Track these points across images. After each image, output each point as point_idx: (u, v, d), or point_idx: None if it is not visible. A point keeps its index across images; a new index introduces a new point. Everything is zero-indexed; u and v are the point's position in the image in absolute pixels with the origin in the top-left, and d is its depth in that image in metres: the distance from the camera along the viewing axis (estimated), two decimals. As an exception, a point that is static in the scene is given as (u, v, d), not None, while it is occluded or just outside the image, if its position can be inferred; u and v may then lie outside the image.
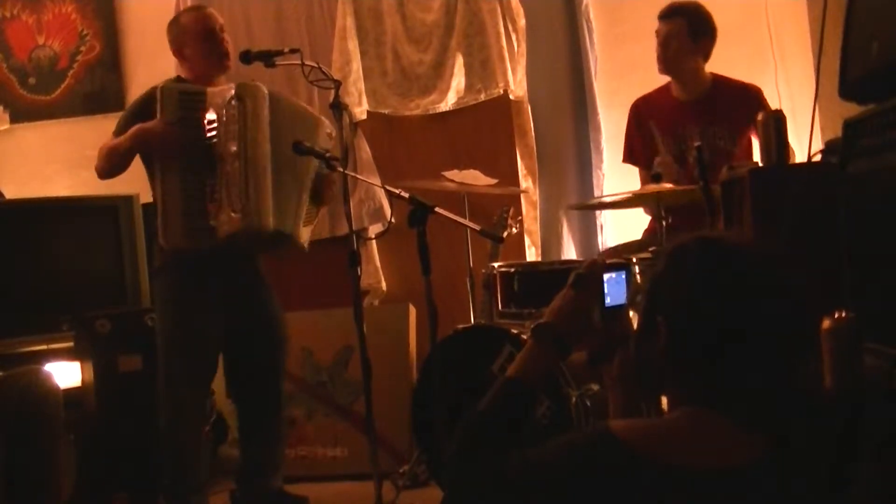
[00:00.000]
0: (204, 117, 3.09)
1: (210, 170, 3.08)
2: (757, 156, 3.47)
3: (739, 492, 1.24)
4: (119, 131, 3.21)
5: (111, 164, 3.18)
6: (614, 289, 1.56)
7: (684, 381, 1.33)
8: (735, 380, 1.29)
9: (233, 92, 3.08)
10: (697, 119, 3.60)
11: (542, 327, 1.53)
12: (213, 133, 3.08)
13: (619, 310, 1.56)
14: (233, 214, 3.04)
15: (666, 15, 3.60)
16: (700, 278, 1.32)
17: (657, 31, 3.61)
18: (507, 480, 1.34)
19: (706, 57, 3.63)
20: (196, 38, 3.28)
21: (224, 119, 3.07)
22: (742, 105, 3.56)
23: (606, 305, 1.55)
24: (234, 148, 3.05)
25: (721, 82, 3.66)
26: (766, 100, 3.62)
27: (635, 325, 1.47)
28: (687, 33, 3.56)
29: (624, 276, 1.57)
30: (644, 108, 3.76)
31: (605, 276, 1.55)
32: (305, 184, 3.26)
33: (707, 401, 1.30)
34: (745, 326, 1.28)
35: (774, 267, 1.32)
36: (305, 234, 3.33)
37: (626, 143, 3.85)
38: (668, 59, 3.59)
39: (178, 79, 3.39)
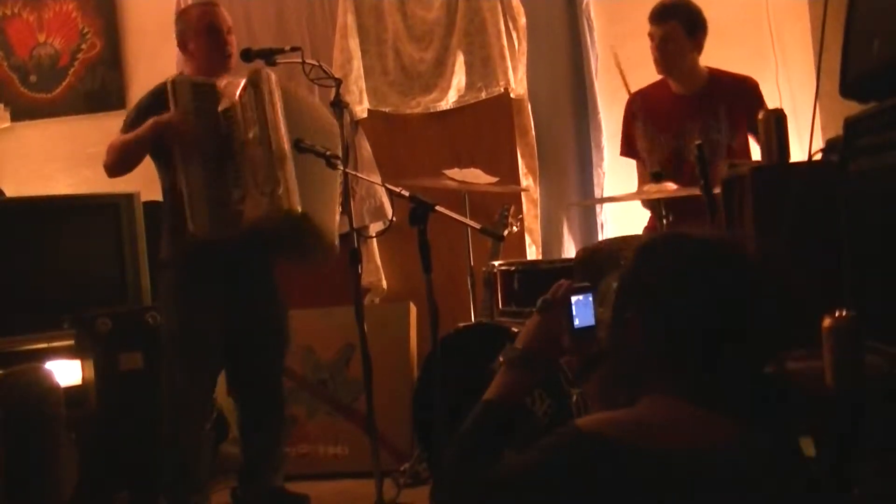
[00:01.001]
0: (217, 109, 3.10)
1: (229, 160, 3.10)
2: (754, 149, 3.49)
3: (714, 475, 1.25)
4: (128, 127, 3.21)
5: (124, 158, 3.18)
6: (582, 310, 1.55)
7: (655, 373, 1.34)
8: (703, 370, 1.31)
9: (245, 81, 3.09)
10: (697, 114, 3.59)
11: (512, 353, 1.54)
12: (230, 123, 3.09)
13: (590, 330, 1.56)
14: (260, 198, 3.05)
15: (659, 18, 3.57)
16: (667, 273, 1.34)
17: (651, 34, 3.59)
18: (492, 494, 1.36)
19: (700, 51, 3.63)
20: (200, 33, 3.29)
21: (239, 108, 3.09)
22: (739, 98, 3.57)
23: (576, 327, 1.54)
24: (252, 134, 3.07)
25: (717, 76, 3.65)
26: (761, 92, 3.62)
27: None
28: (683, 33, 3.56)
29: (591, 298, 1.56)
30: (641, 103, 3.75)
31: (573, 299, 1.54)
32: (334, 189, 3.26)
33: (677, 390, 1.31)
34: (711, 319, 1.30)
35: (743, 261, 1.34)
36: (336, 238, 3.33)
37: (623, 136, 3.85)
38: (668, 61, 3.59)
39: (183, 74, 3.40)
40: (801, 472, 1.34)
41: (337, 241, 3.31)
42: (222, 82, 3.16)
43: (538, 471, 1.30)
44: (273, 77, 3.14)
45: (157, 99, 3.17)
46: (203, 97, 3.12)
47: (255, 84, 3.08)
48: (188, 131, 3.07)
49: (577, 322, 1.54)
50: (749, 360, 1.32)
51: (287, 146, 3.09)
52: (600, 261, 3.30)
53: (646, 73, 3.81)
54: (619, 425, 1.29)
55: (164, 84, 3.16)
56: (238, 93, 3.09)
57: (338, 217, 3.31)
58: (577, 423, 1.31)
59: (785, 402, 1.46)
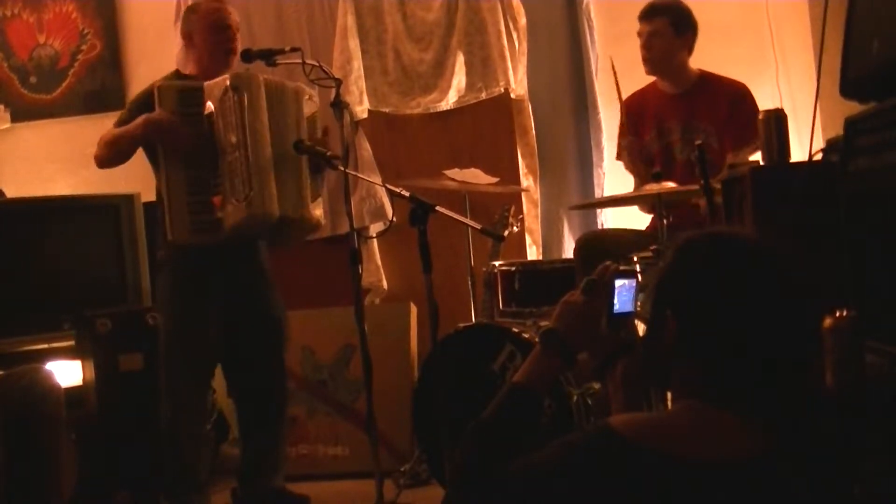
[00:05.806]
0: (203, 112, 3.09)
1: (213, 163, 3.09)
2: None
3: (740, 484, 1.24)
4: (121, 124, 3.21)
5: (114, 152, 3.18)
6: (623, 296, 1.54)
7: (689, 375, 1.33)
8: (738, 375, 1.29)
9: (228, 83, 3.07)
10: (679, 112, 3.59)
11: (550, 333, 1.51)
12: (214, 126, 3.08)
13: (626, 317, 1.55)
14: (237, 204, 3.04)
15: (647, 15, 3.58)
16: (707, 274, 1.33)
17: (639, 32, 3.59)
18: (511, 485, 1.34)
19: (690, 51, 3.61)
20: (207, 29, 3.29)
21: (222, 111, 3.08)
22: (725, 101, 3.54)
23: (614, 312, 1.53)
24: (233, 139, 3.06)
25: (708, 78, 3.63)
26: (751, 97, 3.58)
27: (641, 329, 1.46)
28: (671, 30, 3.55)
29: (634, 284, 1.55)
30: (635, 107, 3.74)
31: (617, 282, 1.53)
32: (302, 161, 3.26)
33: (709, 395, 1.30)
34: (750, 323, 1.29)
35: (780, 264, 1.32)
36: (317, 210, 3.32)
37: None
38: (655, 59, 3.59)
39: (177, 73, 3.39)
40: (833, 480, 1.33)
41: (316, 214, 3.30)
42: (210, 83, 3.14)
43: (566, 466, 1.28)
44: (257, 78, 3.13)
45: (149, 100, 3.16)
46: (188, 102, 3.11)
47: (236, 88, 3.06)
48: (175, 133, 3.07)
49: (616, 306, 1.53)
50: (785, 365, 1.30)
51: (268, 149, 3.07)
52: (602, 248, 3.31)
53: (645, 75, 3.81)
54: (653, 429, 1.28)
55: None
56: (220, 97, 3.07)
57: (309, 191, 3.29)
58: (611, 422, 1.30)
59: (820, 411, 1.45)
